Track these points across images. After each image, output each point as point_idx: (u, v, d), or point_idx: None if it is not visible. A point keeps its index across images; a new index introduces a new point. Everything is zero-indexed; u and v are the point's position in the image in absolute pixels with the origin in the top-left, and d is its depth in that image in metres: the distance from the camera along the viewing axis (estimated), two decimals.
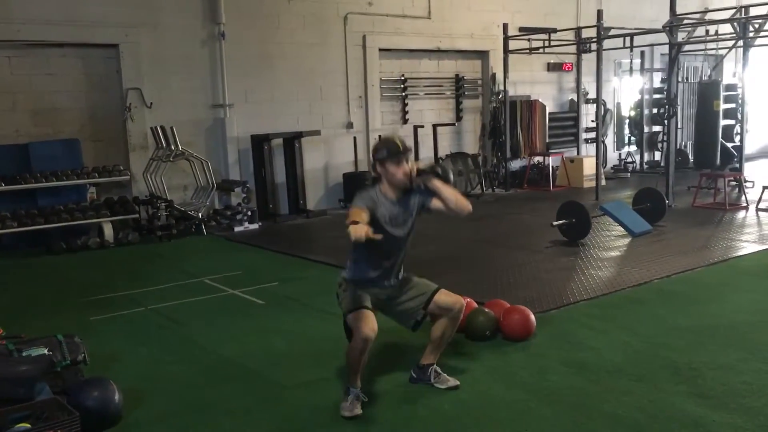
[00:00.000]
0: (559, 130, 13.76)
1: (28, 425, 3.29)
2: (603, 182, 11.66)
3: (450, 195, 3.81)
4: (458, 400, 3.89)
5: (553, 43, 12.44)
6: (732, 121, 13.34)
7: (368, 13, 11.32)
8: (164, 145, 9.32)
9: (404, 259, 4.01)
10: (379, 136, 3.43)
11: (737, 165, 11.28)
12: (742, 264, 6.81)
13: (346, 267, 3.99)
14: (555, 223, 7.93)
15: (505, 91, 12.62)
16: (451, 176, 3.92)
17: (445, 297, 3.98)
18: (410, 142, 11.82)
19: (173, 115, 9.58)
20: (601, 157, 11.74)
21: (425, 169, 3.85)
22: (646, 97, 14.48)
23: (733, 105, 13.21)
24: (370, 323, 3.68)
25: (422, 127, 11.84)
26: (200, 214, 9.43)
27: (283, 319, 5.53)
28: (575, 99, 14.02)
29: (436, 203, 3.86)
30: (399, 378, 4.17)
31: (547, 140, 13.41)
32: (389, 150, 3.79)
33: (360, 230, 3.40)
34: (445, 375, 4.07)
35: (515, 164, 13.25)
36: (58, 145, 8.96)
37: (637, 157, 14.66)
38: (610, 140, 14.61)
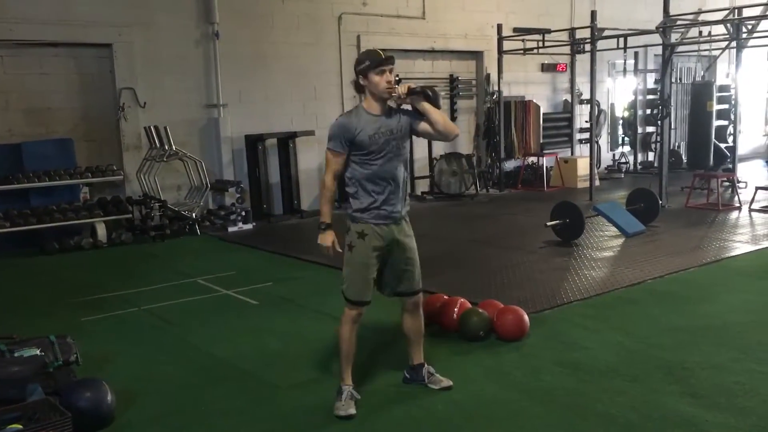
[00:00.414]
0: (553, 131, 13.79)
1: (20, 426, 3.27)
2: (597, 183, 11.69)
3: (438, 117, 3.78)
4: (451, 400, 3.89)
5: (547, 43, 12.47)
6: (725, 122, 13.40)
7: (362, 13, 11.32)
8: (158, 145, 9.30)
9: (406, 184, 3.89)
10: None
11: (730, 165, 11.32)
12: (735, 264, 6.83)
13: (349, 209, 3.87)
14: (549, 223, 7.94)
15: (499, 91, 12.64)
16: (440, 100, 3.86)
17: (412, 306, 3.97)
18: None
19: (167, 115, 9.55)
20: (595, 158, 11.78)
21: (416, 89, 3.79)
22: (640, 97, 14.53)
23: (726, 106, 13.28)
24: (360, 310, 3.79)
25: None
26: (194, 215, 9.40)
27: (277, 320, 5.52)
28: (569, 99, 14.05)
29: (423, 126, 3.82)
30: (392, 378, 4.17)
31: (542, 141, 13.42)
32: (372, 60, 3.75)
33: (327, 239, 3.77)
34: (439, 375, 4.07)
35: (509, 164, 13.27)
36: (51, 144, 8.93)
37: (631, 158, 14.72)
38: (603, 141, 14.65)
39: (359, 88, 3.84)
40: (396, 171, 3.79)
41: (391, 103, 3.85)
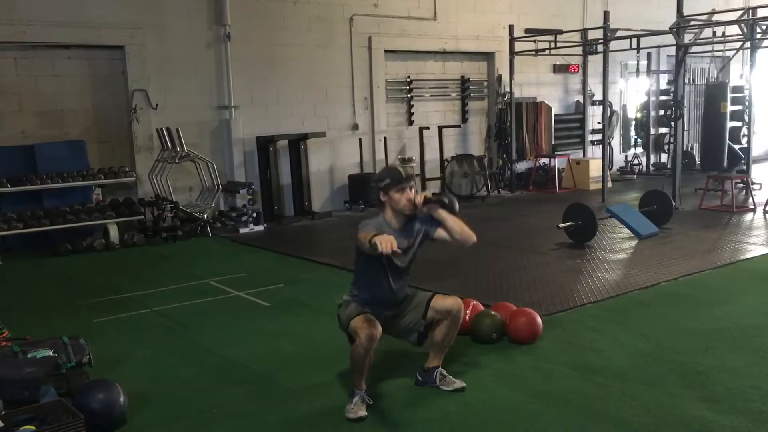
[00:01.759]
0: (565, 132, 13.73)
1: (33, 427, 3.27)
2: (609, 184, 11.62)
3: (455, 225, 3.86)
4: (464, 402, 3.87)
5: (559, 44, 12.42)
6: (739, 123, 13.31)
7: (374, 14, 11.31)
8: (170, 146, 9.33)
9: (407, 285, 4.06)
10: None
11: (744, 167, 11.23)
12: (750, 267, 6.76)
13: (348, 291, 4.01)
14: (561, 225, 7.89)
15: (510, 92, 12.59)
16: (457, 206, 3.91)
17: (441, 301, 3.99)
18: (415, 144, 11.82)
19: (179, 117, 9.58)
20: (607, 159, 11.71)
21: (431, 198, 3.86)
22: (653, 98, 14.44)
23: (740, 107, 13.18)
24: (375, 324, 3.69)
25: (428, 128, 11.82)
26: (205, 216, 9.42)
27: (288, 322, 5.52)
28: (581, 101, 13.98)
29: (440, 233, 3.91)
30: (404, 381, 4.15)
31: (553, 142, 13.37)
32: (392, 178, 3.84)
33: (387, 240, 3.47)
34: (451, 377, 4.05)
35: (521, 166, 13.21)
36: (64, 146, 8.97)
37: (644, 159, 14.62)
38: (616, 142, 14.57)
39: (380, 203, 3.92)
40: (401, 280, 3.97)
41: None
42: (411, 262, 3.99)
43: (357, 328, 3.69)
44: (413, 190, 3.87)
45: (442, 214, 3.84)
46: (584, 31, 12.79)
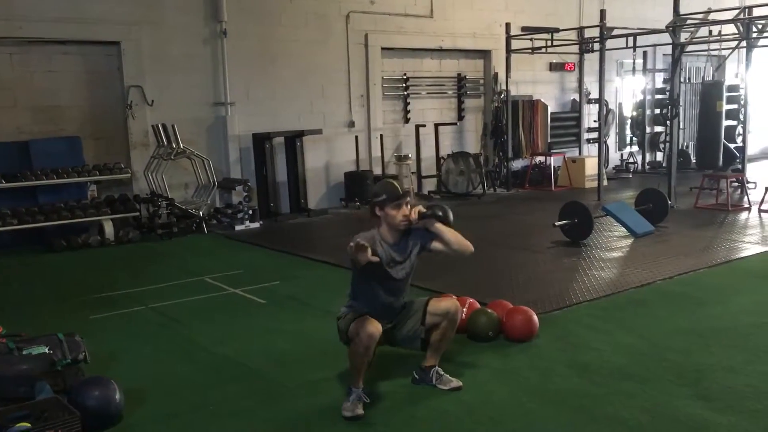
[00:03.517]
0: (561, 130, 13.74)
1: (29, 425, 3.27)
2: (605, 183, 11.64)
3: (452, 237, 3.90)
4: (460, 401, 3.87)
5: (555, 42, 12.42)
6: (734, 122, 13.33)
7: (370, 11, 11.29)
8: (165, 143, 9.30)
9: (405, 296, 4.07)
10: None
11: (739, 166, 11.25)
12: (745, 265, 6.79)
13: (346, 304, 4.02)
14: (557, 223, 7.90)
15: (507, 90, 12.60)
16: (451, 216, 3.95)
17: (436, 304, 4.02)
18: (412, 142, 11.82)
19: (174, 113, 9.55)
20: (603, 158, 11.72)
21: (426, 212, 3.88)
22: (649, 97, 14.47)
23: (735, 106, 13.20)
24: (374, 323, 3.70)
25: (424, 126, 11.82)
26: (201, 213, 9.40)
27: (284, 319, 5.51)
28: (577, 99, 13.99)
29: (436, 244, 3.94)
30: (401, 379, 4.14)
31: (549, 140, 13.38)
32: (388, 194, 3.85)
33: (362, 248, 3.57)
34: (447, 376, 4.05)
35: (517, 164, 13.23)
36: (59, 142, 8.93)
37: (639, 158, 14.65)
38: (612, 140, 14.59)
39: (375, 218, 3.93)
40: (399, 292, 4.00)
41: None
42: (408, 275, 4.01)
43: (357, 327, 3.69)
44: (408, 206, 3.88)
45: (438, 227, 3.88)
46: (580, 30, 12.81)
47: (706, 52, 14.69)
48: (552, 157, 12.94)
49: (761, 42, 11.09)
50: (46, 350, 3.92)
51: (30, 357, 3.84)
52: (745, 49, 10.96)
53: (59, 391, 3.67)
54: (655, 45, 13.28)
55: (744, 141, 11.07)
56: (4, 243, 8.41)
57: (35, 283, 7.02)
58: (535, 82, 13.55)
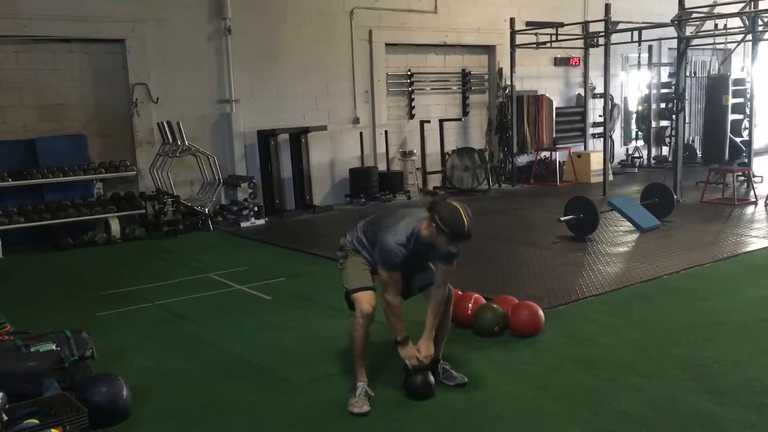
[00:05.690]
0: (566, 125, 13.70)
1: (36, 421, 3.28)
2: (610, 177, 11.61)
3: (438, 310, 3.89)
4: (467, 396, 3.87)
5: (560, 37, 12.36)
6: (740, 116, 13.26)
7: (374, 7, 11.28)
8: (170, 140, 9.31)
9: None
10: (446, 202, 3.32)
11: (746, 160, 11.21)
12: (752, 260, 6.77)
13: (351, 236, 3.96)
14: (562, 218, 7.89)
15: (511, 85, 12.57)
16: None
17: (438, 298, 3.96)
18: (416, 138, 11.81)
19: (179, 111, 9.57)
20: (608, 152, 11.69)
21: (419, 367, 3.85)
22: (654, 91, 14.40)
23: (741, 99, 13.13)
24: (369, 299, 3.74)
25: (428, 122, 11.81)
26: (207, 210, 9.42)
27: (290, 315, 5.53)
28: (582, 94, 13.95)
29: (437, 274, 3.86)
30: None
31: (554, 135, 13.35)
32: (453, 232, 3.53)
33: (411, 351, 3.79)
34: (453, 371, 4.05)
35: (522, 159, 13.20)
36: (65, 140, 8.96)
37: (645, 152, 14.60)
38: (617, 135, 14.54)
39: (431, 218, 3.61)
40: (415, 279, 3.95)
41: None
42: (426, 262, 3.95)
43: (359, 299, 3.75)
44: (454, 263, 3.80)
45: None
46: (585, 24, 12.76)
47: (711, 46, 14.60)
48: (557, 152, 12.92)
49: (767, 35, 11.03)
50: (54, 347, 3.95)
51: (38, 354, 3.86)
52: (750, 43, 10.90)
53: (67, 387, 3.68)
54: (660, 39, 13.22)
55: (750, 135, 11.03)
56: (11, 241, 8.43)
57: (42, 280, 7.05)
58: (540, 77, 13.52)
